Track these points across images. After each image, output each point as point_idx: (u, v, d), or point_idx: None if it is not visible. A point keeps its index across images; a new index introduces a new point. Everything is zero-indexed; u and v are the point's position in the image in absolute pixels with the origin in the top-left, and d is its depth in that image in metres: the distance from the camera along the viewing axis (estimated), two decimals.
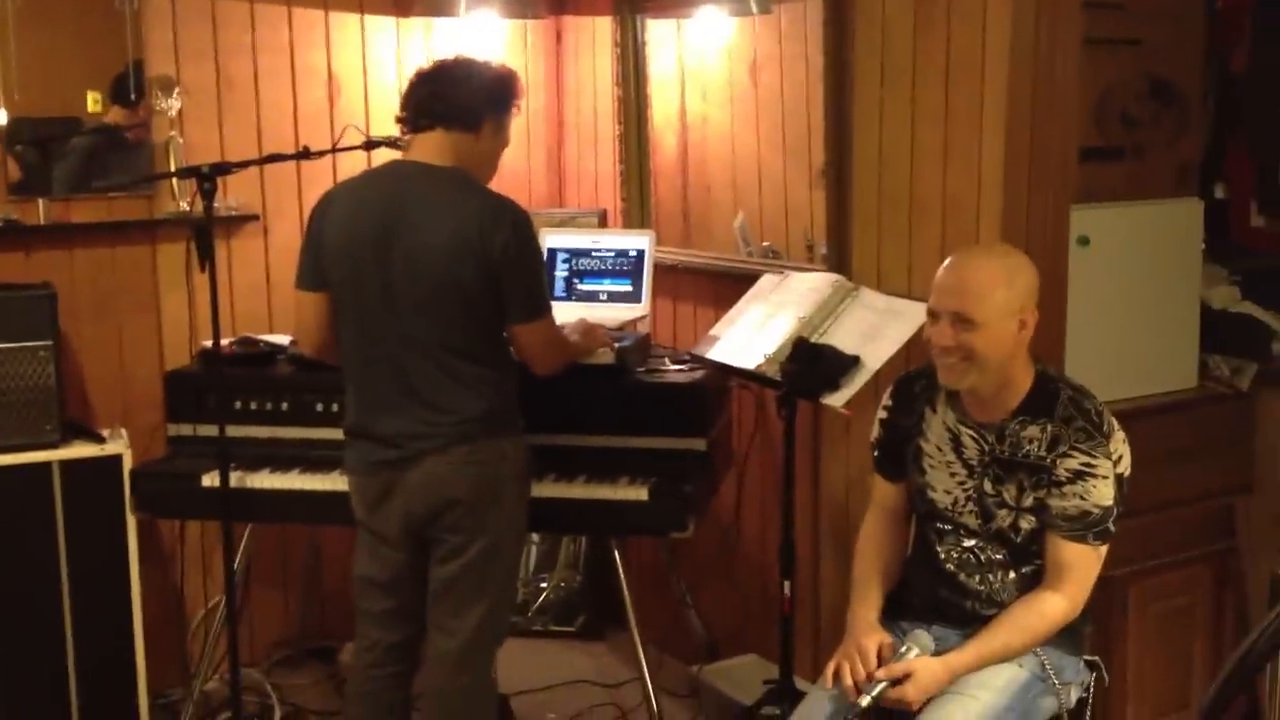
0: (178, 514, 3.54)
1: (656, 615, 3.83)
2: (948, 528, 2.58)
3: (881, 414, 2.72)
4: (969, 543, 2.55)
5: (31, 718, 3.33)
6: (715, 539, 3.80)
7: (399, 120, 2.89)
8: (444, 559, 2.85)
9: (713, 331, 3.37)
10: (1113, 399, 2.79)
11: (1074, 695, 2.53)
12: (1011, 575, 2.53)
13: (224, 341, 3.31)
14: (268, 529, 3.78)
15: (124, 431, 3.46)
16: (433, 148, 2.82)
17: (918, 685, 2.40)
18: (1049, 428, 2.45)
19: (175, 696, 3.71)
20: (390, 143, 3.09)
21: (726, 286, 3.64)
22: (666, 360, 3.51)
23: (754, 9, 3.63)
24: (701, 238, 3.98)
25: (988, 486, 2.52)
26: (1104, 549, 2.47)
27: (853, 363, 2.97)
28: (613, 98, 4.09)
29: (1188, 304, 3.32)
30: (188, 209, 3.65)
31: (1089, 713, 2.57)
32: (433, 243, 2.72)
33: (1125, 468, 2.46)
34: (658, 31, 3.98)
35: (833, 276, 3.26)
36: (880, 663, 2.47)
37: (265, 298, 3.92)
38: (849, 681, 2.45)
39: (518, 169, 4.29)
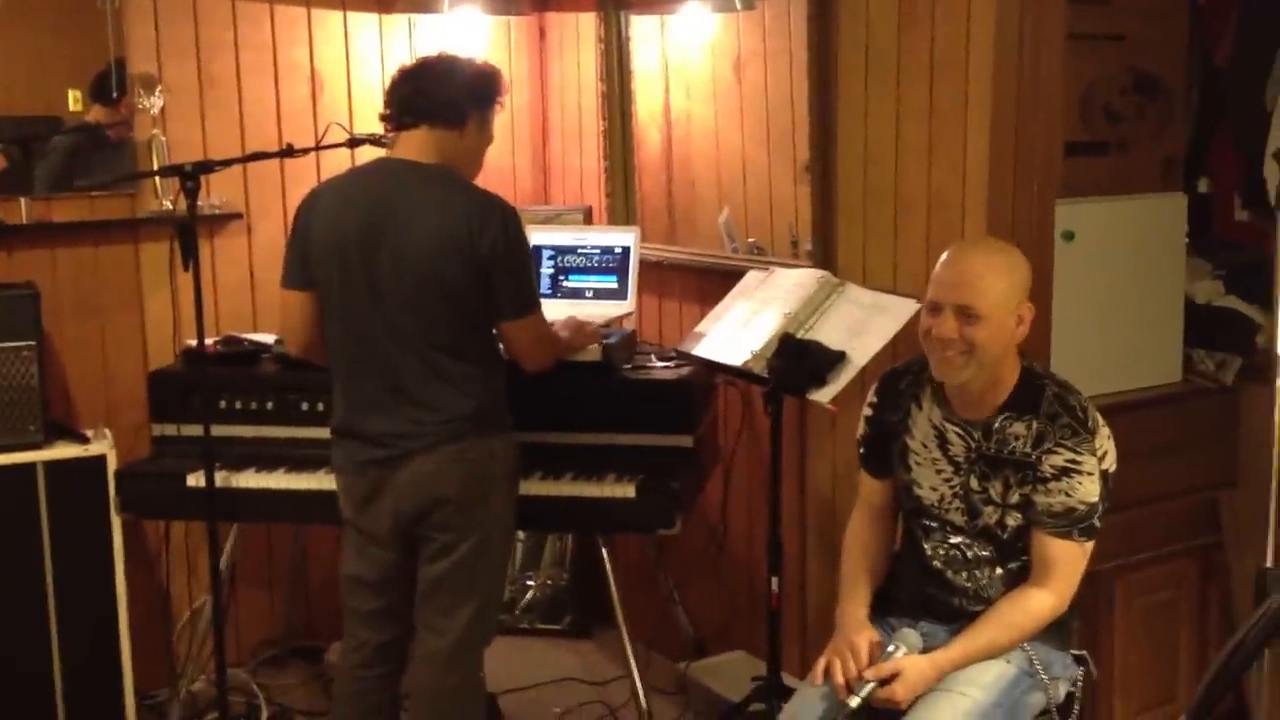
0: (163, 514, 3.53)
1: (644, 613, 3.83)
2: (934, 524, 2.58)
3: (867, 410, 2.72)
4: (955, 539, 2.56)
5: (17, 719, 3.32)
6: (702, 536, 3.80)
7: (383, 118, 2.88)
8: (433, 558, 2.85)
9: (698, 328, 3.37)
10: (1097, 394, 2.79)
11: (1062, 690, 2.54)
12: (998, 572, 2.53)
13: (208, 340, 3.30)
14: (253, 529, 3.77)
15: (108, 432, 3.45)
16: (418, 145, 2.81)
17: (906, 684, 2.40)
18: (1034, 424, 2.46)
19: (161, 697, 3.70)
20: (375, 140, 3.08)
21: (712, 283, 3.64)
22: (653, 357, 3.50)
23: (738, 5, 3.62)
24: (687, 234, 3.98)
25: (974, 483, 2.52)
26: (1090, 545, 2.47)
27: (839, 358, 2.97)
28: (597, 94, 4.08)
29: (1172, 298, 3.33)
30: (171, 207, 3.64)
31: (1077, 707, 2.57)
32: (420, 240, 2.72)
33: (1110, 464, 2.47)
34: (641, 27, 3.98)
35: (818, 272, 3.26)
36: (869, 661, 2.47)
37: (249, 296, 3.90)
38: (840, 679, 2.45)
39: (502, 166, 4.28)
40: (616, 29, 3.98)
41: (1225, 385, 3.31)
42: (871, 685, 2.41)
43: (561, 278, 3.69)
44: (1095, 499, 2.43)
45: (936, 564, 2.58)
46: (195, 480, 3.23)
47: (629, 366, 3.43)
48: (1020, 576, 2.51)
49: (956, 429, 2.54)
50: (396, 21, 4.08)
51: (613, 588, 3.36)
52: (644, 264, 3.73)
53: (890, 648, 2.47)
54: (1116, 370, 3.21)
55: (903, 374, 2.67)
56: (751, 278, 3.39)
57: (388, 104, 2.86)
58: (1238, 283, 3.47)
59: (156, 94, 3.68)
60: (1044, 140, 3.05)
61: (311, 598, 4.02)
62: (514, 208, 2.83)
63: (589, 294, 3.65)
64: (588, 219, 4.06)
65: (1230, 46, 3.53)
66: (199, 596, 3.77)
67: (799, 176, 3.49)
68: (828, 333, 3.07)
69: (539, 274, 3.68)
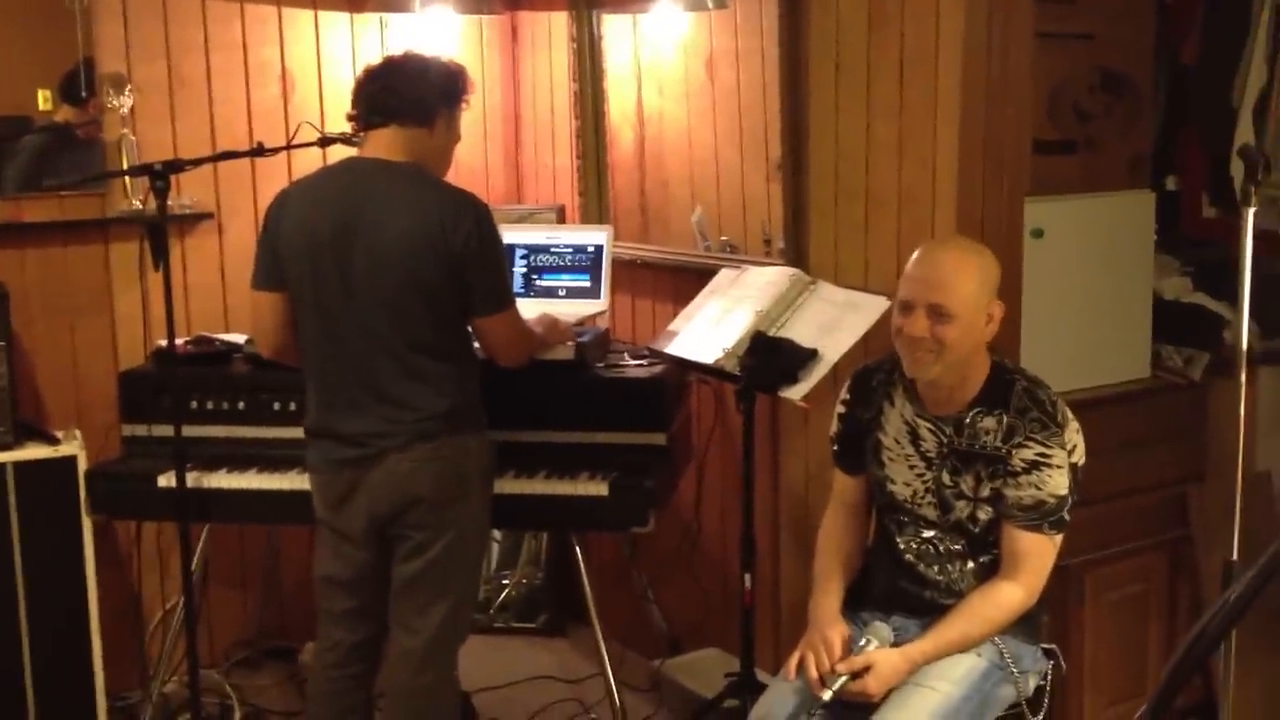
0: (134, 515, 3.51)
1: (618, 611, 3.84)
2: (907, 519, 2.60)
3: (840, 407, 2.74)
4: (928, 534, 2.57)
5: None
6: (676, 534, 3.81)
7: (350, 118, 2.87)
8: (407, 556, 2.84)
9: (671, 326, 3.38)
10: (1067, 389, 2.81)
11: (1032, 683, 2.56)
12: (970, 565, 2.55)
13: (179, 340, 3.28)
14: (225, 529, 3.76)
15: (78, 432, 3.42)
16: (387, 144, 2.80)
17: (878, 677, 2.42)
18: (1005, 419, 2.48)
19: (134, 699, 3.68)
20: (346, 139, 3.06)
21: (685, 281, 3.65)
22: (626, 355, 3.51)
23: (709, 4, 3.64)
24: (659, 232, 3.99)
25: (946, 478, 2.54)
26: (1059, 538, 2.49)
27: (811, 356, 2.99)
28: (569, 93, 4.08)
29: (1140, 295, 3.36)
30: (141, 207, 3.62)
31: (1047, 700, 2.59)
32: (393, 238, 2.71)
33: (1079, 457, 2.49)
34: (614, 26, 3.98)
35: (790, 270, 3.28)
36: (842, 655, 2.48)
37: (220, 296, 3.89)
38: (813, 673, 2.46)
39: (475, 165, 4.28)
40: (588, 28, 3.99)
41: (1193, 381, 3.34)
42: (843, 678, 2.42)
43: (535, 276, 3.70)
44: (1065, 492, 2.45)
45: (909, 558, 2.59)
46: (166, 481, 3.22)
47: (602, 365, 3.44)
48: (991, 570, 2.53)
49: (928, 424, 2.56)
50: (368, 21, 4.07)
51: (586, 586, 3.37)
52: (617, 263, 3.73)
53: (862, 641, 2.48)
54: (1086, 366, 3.24)
55: (875, 371, 2.68)
56: (724, 276, 3.40)
57: (355, 103, 2.85)
58: (1205, 280, 3.50)
59: (126, 93, 3.66)
60: (1013, 138, 3.07)
61: (285, 598, 4.01)
62: (486, 204, 2.83)
63: (562, 293, 3.66)
64: (561, 218, 4.07)
65: (1197, 45, 3.56)
66: (171, 597, 3.75)
67: (771, 175, 3.50)
68: (800, 330, 3.08)
69: (512, 273, 3.67)
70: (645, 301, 3.95)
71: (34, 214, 3.62)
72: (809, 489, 3.43)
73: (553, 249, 3.69)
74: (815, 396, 3.00)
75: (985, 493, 2.49)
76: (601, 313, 3.64)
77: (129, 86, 3.67)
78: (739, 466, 3.16)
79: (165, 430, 3.17)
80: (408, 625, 2.87)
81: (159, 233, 3.00)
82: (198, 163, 3.15)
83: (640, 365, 3.43)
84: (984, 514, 2.51)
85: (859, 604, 2.65)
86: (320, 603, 2.97)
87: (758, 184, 3.60)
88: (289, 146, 3.24)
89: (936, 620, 2.51)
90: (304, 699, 3.18)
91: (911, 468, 2.58)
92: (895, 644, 2.49)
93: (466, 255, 2.73)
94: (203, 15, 3.81)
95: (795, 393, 2.98)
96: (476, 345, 2.90)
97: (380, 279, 2.73)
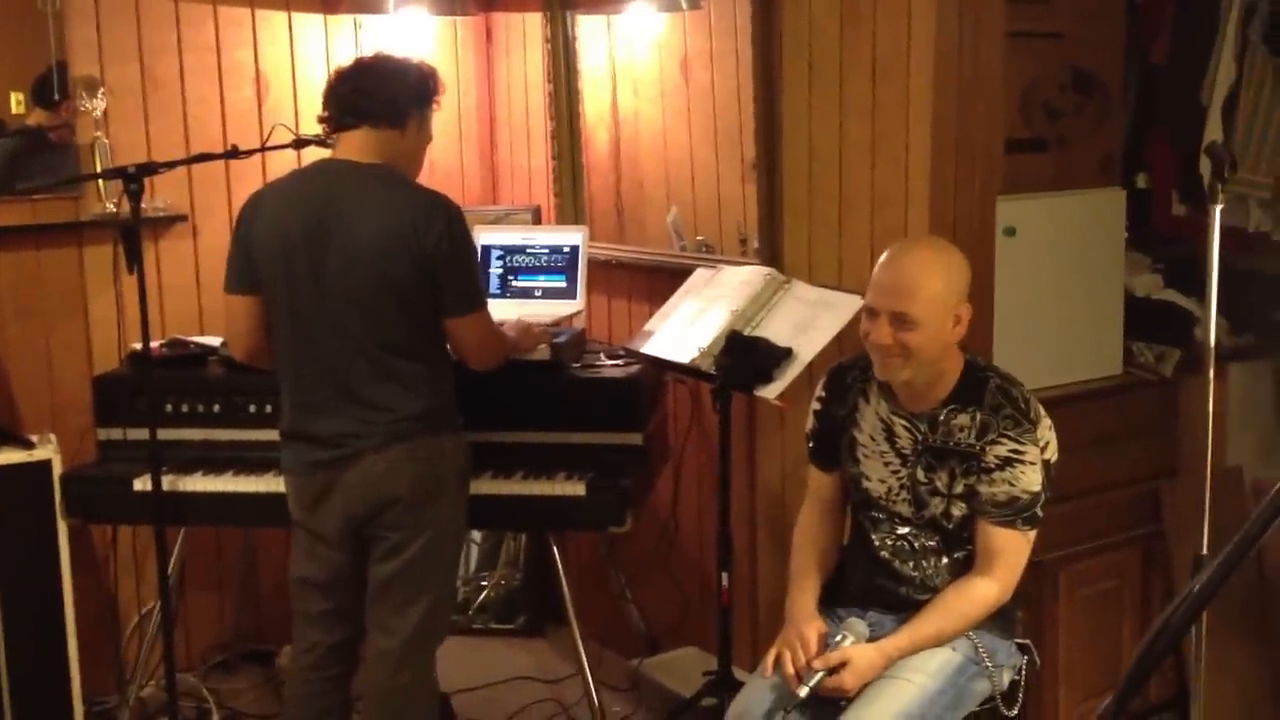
0: (109, 519, 3.50)
1: (596, 611, 3.84)
2: (882, 516, 2.61)
3: (815, 405, 2.75)
4: (903, 530, 2.59)
5: None
6: (653, 533, 3.82)
7: (321, 120, 2.87)
8: (384, 557, 2.84)
9: (647, 326, 3.39)
10: (1040, 386, 2.84)
11: (1006, 677, 2.58)
12: (944, 561, 2.57)
13: (154, 344, 3.27)
14: (202, 532, 3.75)
15: (53, 436, 3.41)
16: (359, 145, 2.80)
17: (854, 672, 2.44)
18: (978, 416, 2.49)
19: (111, 703, 3.67)
20: (321, 141, 3.07)
21: (661, 281, 3.66)
22: (602, 355, 3.52)
23: (684, 5, 3.65)
24: (635, 233, 4.00)
25: (920, 475, 2.55)
26: (1033, 534, 2.51)
27: (785, 355, 3.00)
28: (544, 94, 4.09)
29: (1112, 292, 3.39)
30: (114, 210, 3.61)
31: (1021, 694, 2.61)
32: (366, 240, 2.71)
33: (1052, 454, 2.51)
34: (588, 27, 3.99)
35: (764, 269, 3.29)
36: (818, 651, 2.50)
37: (195, 299, 3.87)
38: (790, 669, 2.48)
39: (450, 167, 4.28)
40: (563, 29, 3.99)
41: (1165, 377, 3.38)
42: (820, 674, 2.44)
43: (510, 277, 3.70)
44: (1038, 488, 2.47)
45: (884, 554, 2.61)
46: (142, 484, 3.21)
47: (578, 365, 3.44)
48: (966, 565, 2.55)
49: (903, 422, 2.57)
50: (341, 22, 4.06)
51: (564, 586, 3.37)
52: (593, 263, 3.74)
53: (838, 637, 2.50)
54: (1058, 363, 3.27)
55: (850, 368, 2.70)
56: (699, 276, 3.41)
57: (326, 105, 2.85)
58: (1176, 276, 3.53)
59: (99, 96, 3.64)
60: (985, 137, 3.09)
61: (261, 601, 4.00)
62: (458, 205, 2.84)
63: (538, 293, 3.66)
64: (536, 219, 4.07)
65: (1167, 44, 3.59)
66: (147, 601, 3.73)
67: (746, 175, 3.51)
68: (774, 329, 3.09)
69: (488, 274, 3.68)
70: (621, 302, 3.96)
71: (6, 218, 3.60)
72: (785, 487, 3.44)
73: (528, 250, 3.70)
74: (790, 395, 3.01)
75: (959, 489, 2.51)
76: (577, 313, 3.65)
77: (102, 89, 3.65)
78: (715, 465, 3.17)
79: (140, 433, 3.17)
80: (385, 626, 2.87)
81: (133, 235, 2.99)
82: (172, 165, 3.14)
83: (616, 365, 3.44)
84: (958, 510, 2.52)
85: (835, 600, 2.67)
86: (296, 605, 2.97)
87: (733, 184, 3.61)
88: (263, 149, 3.23)
89: (912, 616, 2.52)
90: (281, 702, 3.18)
91: (886, 464, 2.59)
92: (871, 639, 2.51)
93: (438, 256, 2.73)
94: (176, 17, 3.79)
95: (770, 391, 3.00)
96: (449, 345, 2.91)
97: (353, 280, 2.73)
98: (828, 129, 3.25)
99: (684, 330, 3.25)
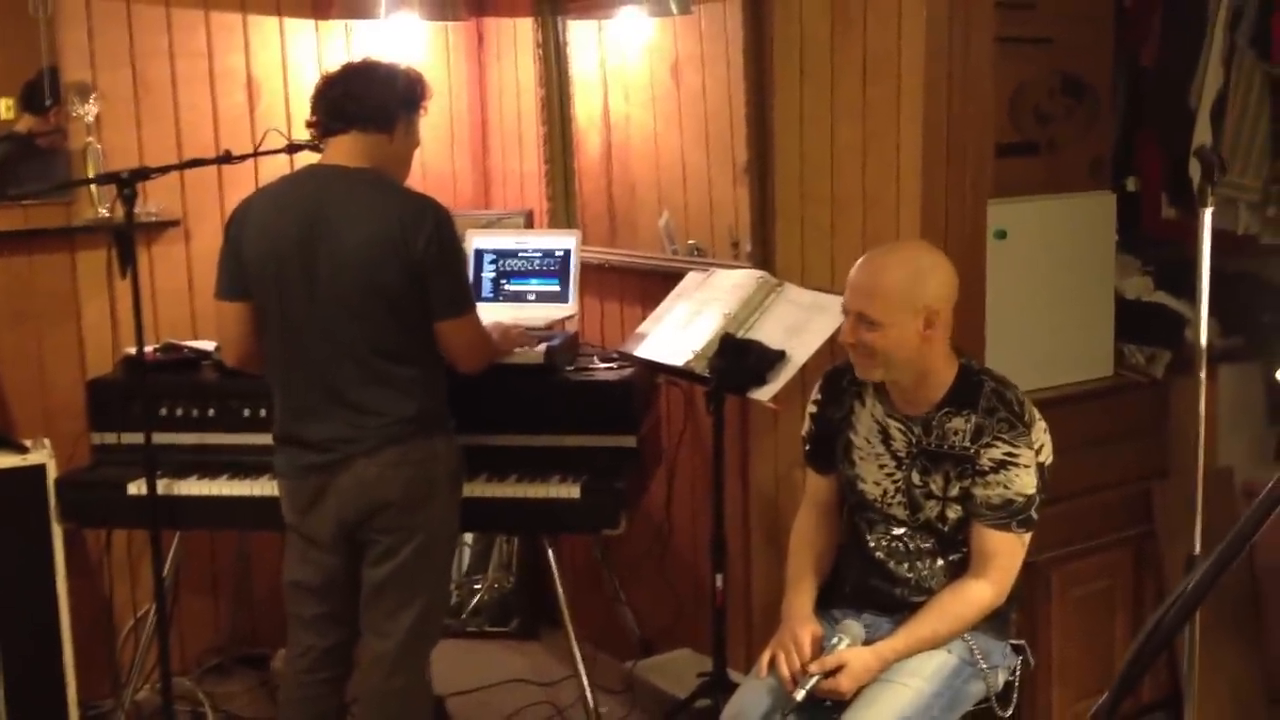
0: (104, 523, 3.50)
1: (591, 613, 3.85)
2: (877, 518, 2.63)
3: (811, 408, 2.76)
4: (898, 532, 2.60)
5: None
6: (647, 536, 3.83)
7: (310, 125, 2.88)
8: (377, 561, 2.85)
9: (640, 329, 3.40)
10: (1032, 388, 2.85)
11: (1001, 678, 2.59)
12: (939, 563, 2.58)
13: (147, 348, 3.27)
14: (196, 536, 3.75)
15: (47, 441, 3.41)
16: (348, 150, 2.81)
17: (851, 675, 2.45)
18: (973, 419, 2.51)
19: (106, 707, 3.66)
20: (314, 146, 3.07)
21: (654, 284, 3.67)
22: (595, 359, 3.53)
23: (674, 10, 3.66)
24: (627, 237, 4.01)
25: (915, 478, 2.57)
26: (1028, 536, 2.52)
27: (779, 357, 3.02)
28: (536, 99, 4.10)
29: (1103, 295, 3.41)
30: (107, 215, 3.61)
31: (1016, 695, 2.62)
32: (356, 245, 2.72)
33: (1047, 456, 2.52)
34: (579, 32, 4.00)
35: (757, 273, 3.30)
36: (813, 653, 2.51)
37: (188, 303, 3.88)
38: (785, 672, 2.49)
39: (442, 171, 4.29)
40: (554, 34, 4.01)
41: (1156, 379, 3.40)
42: (816, 677, 2.45)
43: (503, 281, 3.71)
44: (1032, 491, 2.49)
45: (879, 556, 2.62)
46: (136, 488, 3.21)
47: (572, 368, 3.45)
48: (961, 568, 2.57)
49: (898, 424, 2.59)
50: (333, 28, 4.07)
51: (559, 589, 3.38)
52: (585, 266, 3.75)
53: (834, 640, 2.51)
54: (1050, 365, 3.28)
55: (845, 371, 2.71)
56: (691, 279, 3.43)
57: (314, 110, 2.86)
58: (1166, 279, 3.55)
59: (91, 101, 3.64)
60: (975, 141, 3.11)
61: (256, 605, 4.00)
62: (446, 209, 2.85)
63: (531, 297, 3.67)
64: (529, 223, 4.08)
65: (1155, 48, 3.61)
66: (142, 605, 3.73)
67: (738, 178, 3.53)
68: (767, 332, 3.11)
69: (481, 278, 3.69)
70: (614, 305, 3.97)
71: None
72: (779, 489, 3.45)
73: (521, 254, 3.70)
74: (783, 397, 3.03)
75: (954, 492, 2.53)
76: (571, 316, 3.66)
77: (94, 94, 3.65)
78: (709, 468, 3.18)
79: (135, 438, 3.17)
80: (378, 629, 2.88)
81: (126, 240, 2.99)
82: (165, 170, 3.15)
83: (610, 368, 3.45)
84: (953, 513, 2.54)
85: (830, 602, 2.68)
86: (289, 608, 2.97)
87: (724, 187, 3.62)
88: (256, 154, 3.24)
89: (907, 618, 2.54)
90: (276, 706, 3.18)
91: (881, 467, 2.61)
92: (867, 642, 2.52)
93: (427, 260, 2.74)
94: (167, 23, 3.80)
95: (764, 394, 3.01)
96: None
97: (343, 285, 2.74)
98: (819, 132, 3.26)
99: (677, 333, 3.26)
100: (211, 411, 3.40)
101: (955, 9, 2.97)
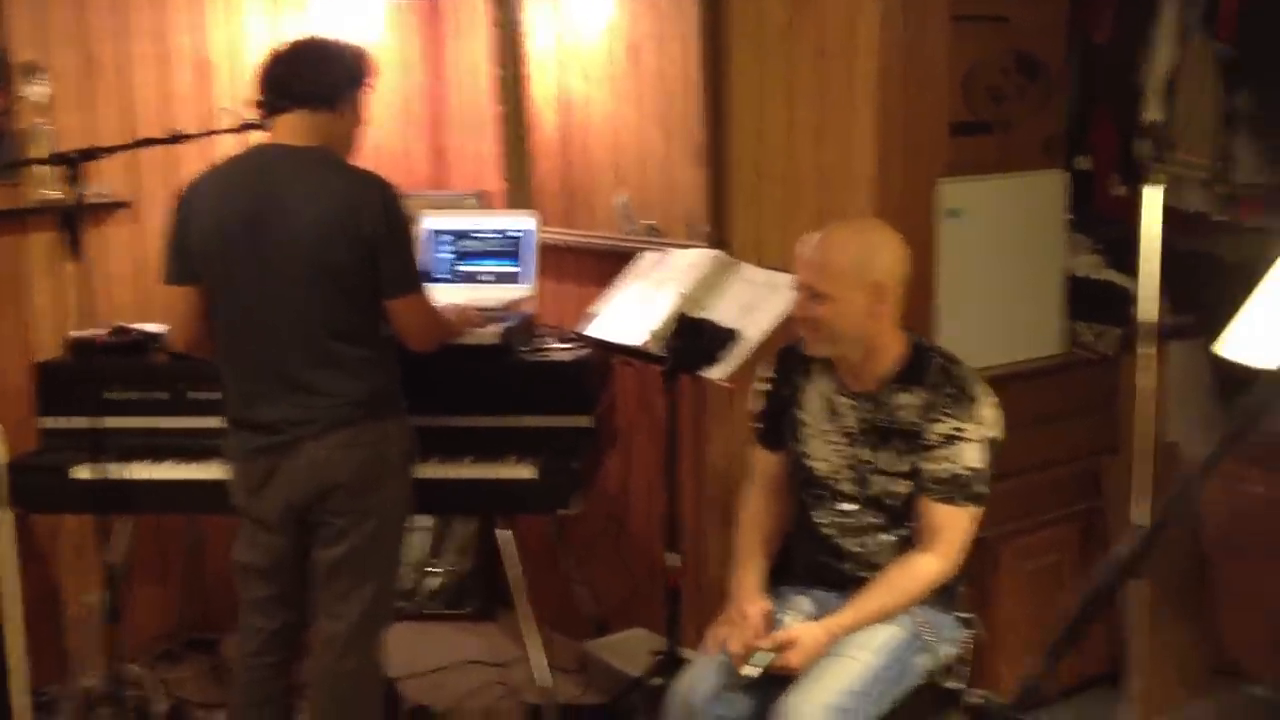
0: (53, 508, 3.46)
1: (545, 594, 3.84)
2: (826, 494, 2.63)
3: (762, 385, 2.77)
4: (846, 508, 2.61)
5: None
6: (603, 516, 3.83)
7: (256, 104, 2.85)
8: (328, 543, 2.83)
9: (596, 310, 3.39)
10: (984, 366, 2.87)
11: (950, 652, 2.60)
12: (888, 538, 2.59)
13: (96, 331, 3.24)
14: (146, 521, 3.72)
15: None
16: (294, 128, 2.78)
17: (801, 651, 2.45)
18: (921, 395, 2.52)
19: (55, 693, 3.63)
20: (263, 125, 3.04)
21: (610, 265, 3.65)
22: (552, 339, 3.52)
23: None
24: (585, 217, 3.99)
25: (864, 454, 2.57)
26: (975, 510, 2.53)
27: (733, 336, 3.01)
28: (492, 78, 4.08)
29: (1054, 273, 3.43)
30: (57, 196, 3.56)
31: (964, 668, 2.63)
32: (304, 225, 2.70)
33: (994, 431, 2.53)
34: (535, 10, 3.98)
35: (712, 252, 3.30)
36: (763, 630, 2.51)
37: (138, 286, 3.83)
38: (735, 648, 2.50)
39: (396, 150, 4.26)
40: (510, 11, 3.98)
41: (1106, 355, 3.42)
42: (766, 654, 2.45)
43: (460, 262, 3.69)
44: (979, 465, 2.50)
45: (828, 532, 2.63)
46: (85, 473, 3.18)
47: (527, 349, 3.44)
48: (910, 542, 2.57)
49: (847, 401, 2.59)
50: (286, 6, 4.03)
51: (513, 569, 3.37)
52: (543, 247, 3.73)
53: (783, 616, 2.52)
54: (1002, 343, 3.30)
55: (795, 349, 2.71)
56: (647, 259, 3.42)
57: (260, 89, 2.82)
58: (1117, 257, 3.57)
59: (40, 81, 3.59)
60: (929, 120, 3.12)
61: (206, 590, 3.97)
62: (394, 186, 2.82)
63: (488, 278, 3.65)
64: (486, 203, 4.06)
65: (1109, 27, 3.62)
66: (92, 590, 3.70)
67: (697, 159, 3.52)
68: (722, 311, 3.11)
69: (437, 259, 3.67)
70: (572, 286, 3.96)
71: None
72: (734, 468, 3.45)
73: (477, 234, 3.69)
74: (738, 376, 3.03)
75: (902, 467, 2.54)
76: (528, 297, 3.64)
77: (44, 74, 3.60)
78: (664, 447, 3.18)
79: (83, 422, 3.14)
80: (330, 611, 2.86)
81: (74, 222, 2.95)
82: (113, 150, 3.11)
83: (565, 349, 3.44)
84: (901, 488, 2.55)
85: (780, 579, 2.68)
86: (240, 591, 2.95)
87: (683, 168, 3.61)
88: (208, 133, 3.20)
89: (856, 593, 2.55)
90: (227, 690, 3.16)
91: (830, 443, 2.61)
92: (816, 618, 2.53)
93: (375, 238, 2.72)
94: (119, 2, 3.75)
95: (718, 373, 3.01)
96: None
97: (292, 265, 2.71)
98: (775, 113, 3.26)
99: (633, 313, 3.26)
100: (160, 395, 3.37)
101: None
